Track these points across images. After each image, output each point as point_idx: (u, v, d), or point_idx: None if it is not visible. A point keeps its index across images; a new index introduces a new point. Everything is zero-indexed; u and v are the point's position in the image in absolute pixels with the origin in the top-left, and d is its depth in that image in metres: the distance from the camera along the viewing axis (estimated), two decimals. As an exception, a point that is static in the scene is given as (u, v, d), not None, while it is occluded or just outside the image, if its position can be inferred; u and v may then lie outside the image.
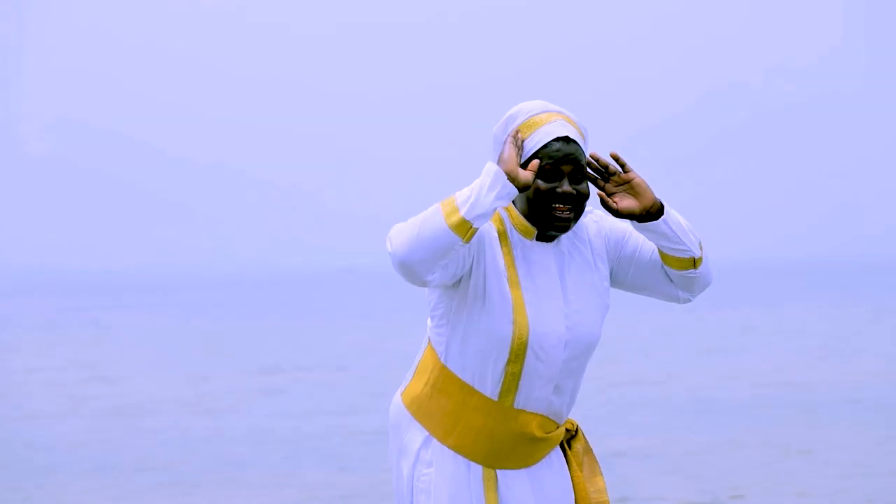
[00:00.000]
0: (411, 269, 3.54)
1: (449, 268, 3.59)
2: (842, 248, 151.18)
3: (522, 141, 3.66)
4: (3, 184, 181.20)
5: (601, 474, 3.87)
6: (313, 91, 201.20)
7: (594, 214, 3.87)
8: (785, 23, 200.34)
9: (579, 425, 3.90)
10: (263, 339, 27.08)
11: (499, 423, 3.72)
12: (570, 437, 3.88)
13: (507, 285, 3.68)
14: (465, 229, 3.51)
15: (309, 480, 10.35)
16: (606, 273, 3.83)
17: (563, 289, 3.75)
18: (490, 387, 3.71)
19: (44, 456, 11.75)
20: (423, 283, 3.62)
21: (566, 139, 3.67)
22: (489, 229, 3.71)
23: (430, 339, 3.83)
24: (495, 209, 3.55)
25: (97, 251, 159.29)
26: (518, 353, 3.68)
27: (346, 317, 35.55)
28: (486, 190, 3.53)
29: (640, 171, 4.04)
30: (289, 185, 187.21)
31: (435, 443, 3.77)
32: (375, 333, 27.67)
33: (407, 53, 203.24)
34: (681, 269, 3.76)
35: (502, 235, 3.73)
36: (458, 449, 3.74)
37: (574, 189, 3.67)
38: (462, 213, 3.51)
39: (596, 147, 3.84)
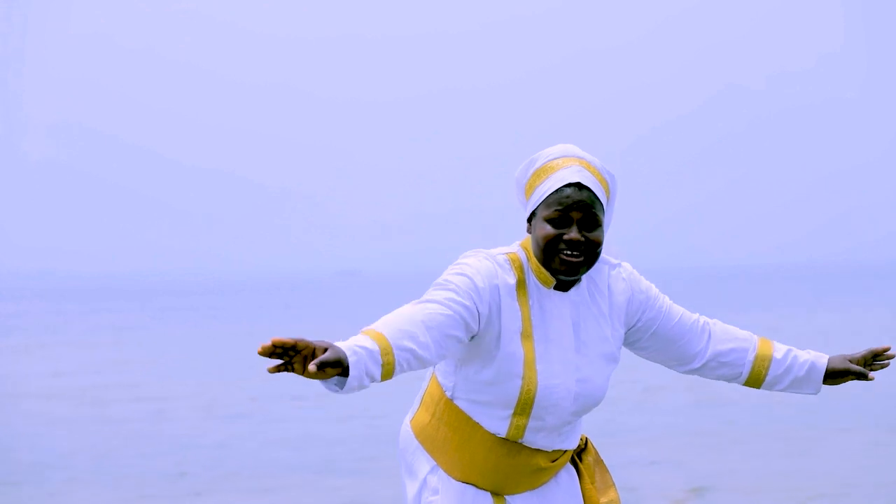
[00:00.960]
0: None
1: (452, 348, 3.47)
2: (843, 252, 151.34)
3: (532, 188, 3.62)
4: (4, 188, 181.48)
5: (614, 486, 3.87)
6: (314, 97, 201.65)
7: (623, 270, 3.79)
8: (785, 27, 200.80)
9: (588, 438, 3.89)
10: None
11: (504, 458, 3.70)
12: (581, 450, 3.87)
13: (519, 339, 3.60)
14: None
15: (327, 487, 10.30)
16: (622, 331, 3.76)
17: (575, 340, 3.68)
18: (496, 430, 3.69)
19: (53, 462, 11.69)
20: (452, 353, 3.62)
21: (578, 185, 3.57)
22: (506, 280, 3.60)
23: (435, 372, 3.78)
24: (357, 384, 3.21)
25: (97, 255, 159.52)
26: (524, 407, 3.63)
27: (348, 318, 35.52)
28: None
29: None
30: (289, 189, 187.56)
31: (441, 471, 3.75)
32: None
33: (407, 60, 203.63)
34: (748, 384, 3.95)
35: (520, 284, 3.64)
36: (465, 480, 3.73)
37: (583, 235, 3.57)
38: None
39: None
